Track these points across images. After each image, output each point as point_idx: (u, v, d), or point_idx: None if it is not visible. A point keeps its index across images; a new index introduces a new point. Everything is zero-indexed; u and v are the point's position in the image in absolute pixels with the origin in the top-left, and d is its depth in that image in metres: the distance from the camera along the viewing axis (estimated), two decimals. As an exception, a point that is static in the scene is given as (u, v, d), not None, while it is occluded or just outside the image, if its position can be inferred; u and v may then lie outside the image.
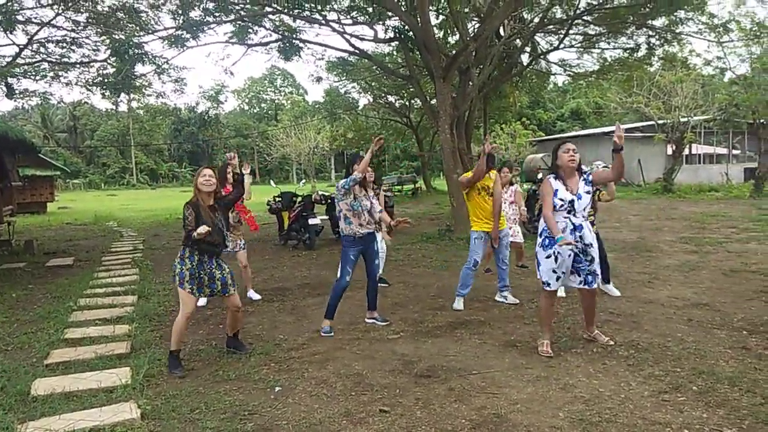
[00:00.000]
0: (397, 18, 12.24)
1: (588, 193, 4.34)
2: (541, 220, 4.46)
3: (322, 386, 4.00)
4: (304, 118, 47.65)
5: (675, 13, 12.45)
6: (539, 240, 4.48)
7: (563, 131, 41.76)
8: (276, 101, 78.17)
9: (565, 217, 4.33)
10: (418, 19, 11.20)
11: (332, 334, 5.19)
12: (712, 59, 18.89)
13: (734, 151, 28.39)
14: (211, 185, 4.44)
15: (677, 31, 13.21)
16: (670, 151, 22.00)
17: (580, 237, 4.31)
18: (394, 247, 10.48)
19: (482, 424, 3.30)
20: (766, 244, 9.05)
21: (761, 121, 18.06)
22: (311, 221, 10.72)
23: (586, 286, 4.43)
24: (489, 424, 3.30)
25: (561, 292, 5.83)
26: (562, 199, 4.30)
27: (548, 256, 4.37)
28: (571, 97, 48.65)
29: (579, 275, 4.41)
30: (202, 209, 4.37)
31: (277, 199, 11.66)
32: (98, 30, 12.12)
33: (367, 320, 5.60)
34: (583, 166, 4.43)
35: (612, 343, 4.53)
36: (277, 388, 3.99)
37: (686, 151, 23.91)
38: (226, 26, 12.64)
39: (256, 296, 6.91)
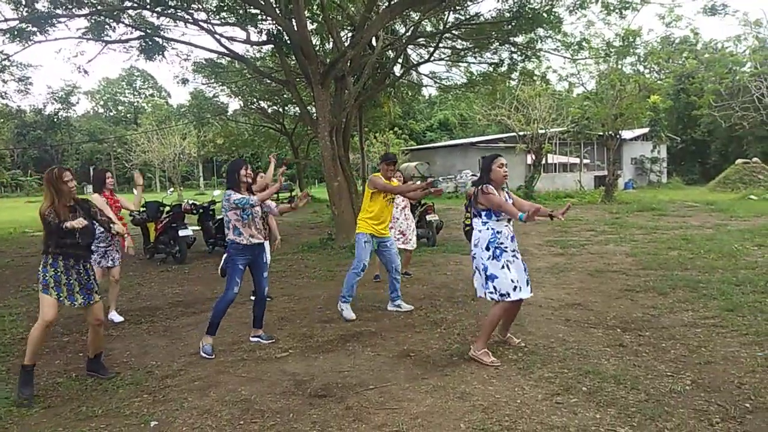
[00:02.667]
0: (272, 21, 11.86)
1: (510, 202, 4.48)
2: (481, 234, 4.36)
3: (205, 417, 3.60)
4: (168, 122, 44.97)
5: (535, 31, 13.37)
6: (487, 253, 4.32)
7: (433, 141, 43.46)
8: (135, 104, 73.19)
9: (506, 225, 4.38)
10: (294, 23, 10.91)
11: (213, 355, 4.75)
12: (567, 75, 20.70)
13: (585, 161, 31.32)
14: (74, 188, 4.15)
15: (537, 48, 14.21)
16: (530, 161, 23.70)
17: (516, 243, 4.46)
18: (275, 258, 10.07)
19: (385, 444, 3.14)
20: (622, 245, 9.95)
21: (609, 132, 20.04)
22: (182, 233, 9.95)
23: (530, 295, 4.48)
24: (392, 443, 3.14)
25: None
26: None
27: (502, 267, 4.28)
28: (439, 108, 50.86)
29: (528, 284, 4.46)
30: (62, 212, 4.00)
31: (142, 209, 10.70)
32: None
33: (251, 339, 5.21)
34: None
35: (523, 345, 4.63)
36: (152, 423, 3.53)
37: (544, 161, 25.86)
38: (81, 20, 11.41)
39: (119, 318, 6.19)
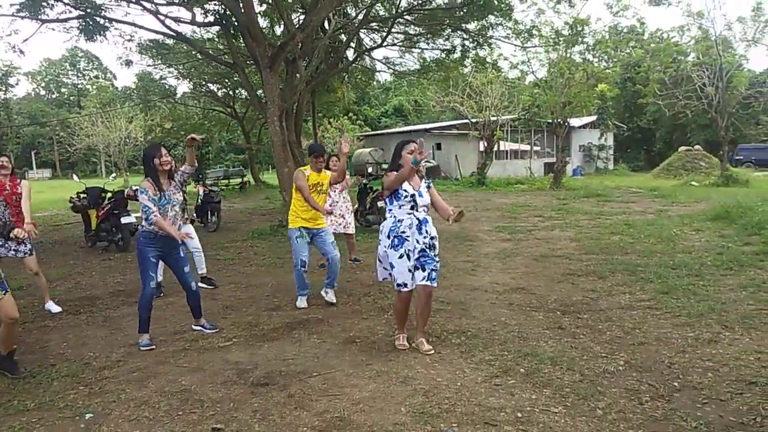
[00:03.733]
0: (218, 1, 11.53)
1: (428, 190, 4.34)
2: (385, 222, 4.31)
3: (142, 408, 3.51)
4: (113, 105, 43.35)
5: (486, 18, 13.49)
6: (387, 242, 4.23)
7: (388, 127, 43.45)
8: (79, 86, 70.22)
9: (409, 213, 4.22)
10: (241, 3, 10.63)
11: (153, 347, 4.63)
12: (518, 63, 20.96)
13: (535, 148, 31.95)
14: None
15: (488, 35, 14.34)
16: (482, 148, 23.98)
17: (426, 231, 4.23)
18: (222, 246, 9.91)
19: (325, 430, 3.14)
20: (567, 230, 10.22)
21: (558, 120, 20.45)
22: (124, 220, 9.61)
23: (428, 282, 4.18)
24: (333, 429, 3.14)
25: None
26: (405, 190, 4.21)
27: (401, 256, 4.18)
28: (394, 94, 50.85)
29: (424, 270, 4.17)
30: None
31: (82, 195, 10.30)
32: None
33: (194, 327, 5.10)
34: (422, 164, 4.39)
35: (432, 352, 4.22)
36: (87, 416, 3.42)
37: (496, 148, 26.24)
38: (14, -5, 10.78)
39: (56, 308, 5.96)
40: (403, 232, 4.20)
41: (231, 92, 25.17)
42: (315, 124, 20.60)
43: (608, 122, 33.83)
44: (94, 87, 66.62)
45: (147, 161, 4.64)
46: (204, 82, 23.98)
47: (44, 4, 11.01)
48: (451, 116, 31.55)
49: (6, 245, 5.44)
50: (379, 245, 4.40)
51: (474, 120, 23.32)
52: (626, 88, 35.77)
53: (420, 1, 14.25)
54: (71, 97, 68.53)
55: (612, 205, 14.31)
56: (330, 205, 7.19)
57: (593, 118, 33.43)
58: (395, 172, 4.23)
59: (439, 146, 28.73)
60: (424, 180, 4.40)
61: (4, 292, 3.94)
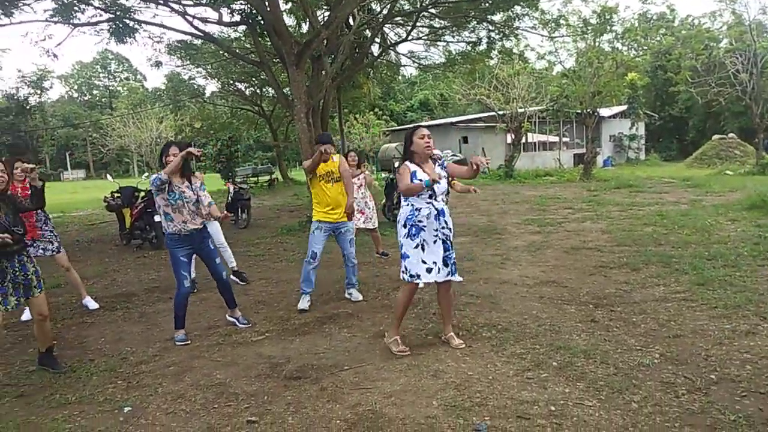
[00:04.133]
0: (244, 0, 11.63)
1: (444, 177, 4.18)
2: (402, 210, 4.22)
3: (179, 401, 3.60)
4: (144, 105, 44.19)
5: (512, 9, 13.31)
6: (403, 231, 4.12)
7: (413, 121, 43.33)
8: (110, 88, 71.79)
9: (428, 203, 4.09)
10: (266, 2, 10.71)
11: (188, 341, 4.74)
12: (544, 54, 20.66)
13: (564, 139, 31.48)
14: (3, 182, 3.89)
15: (514, 26, 14.16)
16: (509, 140, 23.75)
17: (445, 222, 4.14)
18: (253, 242, 10.04)
19: (358, 423, 3.16)
20: (599, 222, 10.05)
21: (587, 110, 20.11)
22: (158, 218, 9.81)
23: (452, 277, 4.17)
24: (365, 422, 3.17)
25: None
26: (421, 179, 4.03)
27: (416, 246, 4.06)
28: (419, 88, 50.66)
29: (446, 266, 4.13)
30: None
31: (116, 194, 10.55)
32: None
33: (228, 317, 5.21)
34: (437, 151, 4.35)
35: (462, 346, 4.21)
36: (126, 409, 3.53)
37: (524, 140, 25.95)
38: (47, 2, 11.08)
39: (94, 304, 6.13)
40: (420, 221, 4.06)
41: (258, 90, 25.40)
42: (341, 121, 20.66)
43: (639, 111, 33.14)
44: (125, 88, 68.04)
45: (160, 156, 4.89)
46: (232, 81, 24.24)
47: (76, 8, 11.28)
48: (478, 109, 31.26)
49: (35, 245, 5.63)
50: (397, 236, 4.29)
51: (501, 112, 23.09)
52: (657, 76, 34.96)
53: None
54: (103, 99, 70.12)
55: (644, 196, 14.03)
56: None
57: (623, 107, 32.79)
58: (408, 165, 4.13)
59: (465, 139, 28.54)
60: (437, 164, 4.21)
61: (39, 290, 4.08)
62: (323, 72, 12.19)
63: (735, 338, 4.06)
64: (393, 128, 33.99)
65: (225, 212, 5.17)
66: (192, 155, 4.55)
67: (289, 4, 13.92)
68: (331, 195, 5.54)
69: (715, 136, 28.69)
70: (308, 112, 10.93)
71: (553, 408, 3.18)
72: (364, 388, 3.62)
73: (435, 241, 4.10)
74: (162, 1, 11.51)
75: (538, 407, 3.20)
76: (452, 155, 26.34)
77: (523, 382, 3.54)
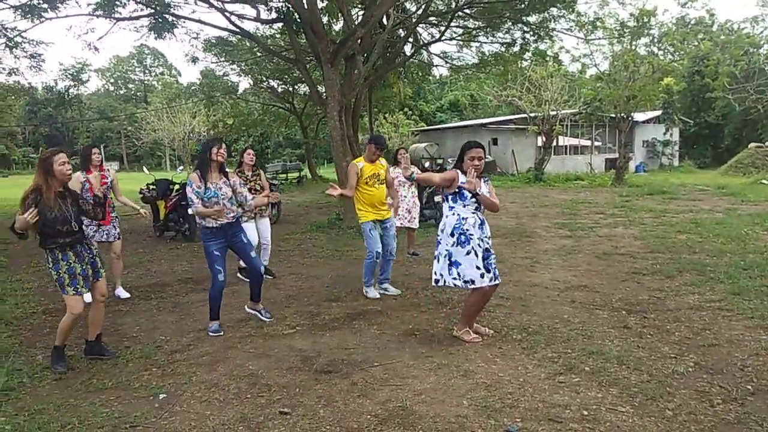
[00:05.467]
0: (282, -2, 11.78)
1: (486, 185, 4.38)
2: (446, 220, 4.33)
3: (213, 390, 3.68)
4: (178, 100, 44.96)
5: (548, 11, 13.18)
6: (451, 240, 4.26)
7: (443, 122, 43.19)
8: (146, 82, 73.24)
9: (473, 213, 4.30)
10: (304, 0, 10.82)
11: (221, 332, 4.83)
12: (579, 56, 20.39)
13: (596, 143, 31.01)
14: (69, 171, 4.03)
15: (550, 27, 14.01)
16: (540, 143, 23.50)
17: (486, 231, 4.36)
18: (282, 238, 10.16)
19: (389, 419, 3.19)
20: (631, 228, 9.91)
21: (621, 115, 19.78)
22: (191, 210, 10.00)
23: (497, 281, 4.38)
24: (395, 418, 3.20)
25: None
26: (469, 191, 4.24)
27: (467, 253, 4.22)
28: (450, 89, 50.42)
29: (489, 272, 4.29)
30: (46, 196, 3.87)
31: (152, 187, 10.79)
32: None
33: (247, 309, 5.24)
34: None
35: (490, 332, 4.51)
36: (161, 396, 3.62)
37: (555, 143, 25.66)
38: (90, -4, 11.35)
39: (125, 294, 6.27)
40: (468, 230, 4.25)
41: (290, 88, 25.63)
42: (371, 119, 20.73)
43: (674, 117, 32.43)
44: (160, 83, 69.28)
45: (203, 151, 4.85)
46: (264, 78, 24.52)
47: (117, 3, 11.55)
48: (508, 111, 30.98)
49: (100, 230, 5.90)
50: (438, 245, 4.41)
51: (533, 114, 22.86)
52: (694, 81, 34.12)
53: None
54: (138, 93, 71.53)
55: (678, 203, 13.76)
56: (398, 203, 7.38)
57: (658, 112, 32.12)
58: (454, 170, 4.33)
59: (495, 141, 28.34)
60: (483, 179, 4.36)
61: (104, 270, 4.32)
62: (356, 71, 12.25)
63: (773, 350, 3.98)
64: (422, 128, 33.91)
65: (273, 192, 5.30)
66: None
67: (325, 2, 14.02)
68: (377, 196, 5.75)
69: (752, 144, 27.89)
70: (341, 111, 11.00)
71: (585, 412, 3.16)
72: (394, 384, 3.65)
73: (480, 248, 4.27)
74: (201, -2, 11.71)
75: (570, 411, 3.19)
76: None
77: (555, 386, 3.53)
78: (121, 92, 73.23)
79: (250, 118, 28.90)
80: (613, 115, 20.92)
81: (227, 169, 5.00)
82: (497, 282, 4.38)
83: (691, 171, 30.55)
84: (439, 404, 3.34)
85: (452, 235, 4.28)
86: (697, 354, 3.96)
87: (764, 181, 20.22)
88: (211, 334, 4.81)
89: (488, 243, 4.36)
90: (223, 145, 4.90)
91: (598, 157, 30.18)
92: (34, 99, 52.79)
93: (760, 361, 3.79)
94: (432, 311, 5.29)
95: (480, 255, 4.25)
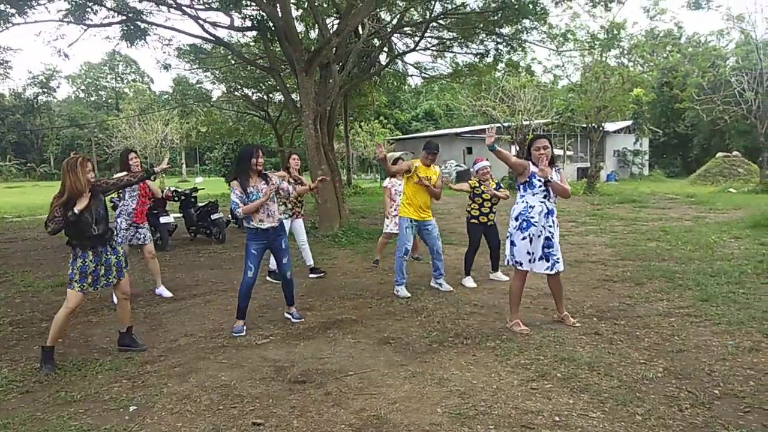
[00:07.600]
0: (256, 6, 11.73)
1: (558, 174, 4.70)
2: (516, 206, 4.71)
3: (184, 402, 3.61)
4: (151, 108, 44.38)
5: (520, 22, 13.39)
6: (515, 223, 4.69)
7: (418, 131, 43.44)
8: (117, 89, 72.10)
9: (541, 201, 4.61)
10: (278, 8, 10.80)
11: (244, 333, 4.95)
12: (551, 67, 20.76)
13: (569, 152, 31.55)
14: (93, 178, 4.29)
15: (522, 39, 14.24)
16: (514, 152, 23.78)
17: (552, 221, 4.64)
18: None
19: (363, 428, 3.18)
20: (602, 236, 10.08)
21: (592, 125, 20.17)
22: (163, 220, 9.87)
23: (553, 271, 4.68)
24: (370, 427, 3.18)
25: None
26: (540, 180, 4.58)
27: (524, 238, 4.63)
28: (425, 98, 50.80)
29: (547, 261, 4.65)
30: (80, 202, 4.14)
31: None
32: None
33: (285, 314, 5.46)
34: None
35: (578, 325, 4.84)
36: (132, 408, 3.55)
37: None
38: (61, 2, 11.20)
39: (167, 293, 6.48)
40: (532, 217, 4.61)
41: (265, 96, 25.48)
42: (347, 128, 20.75)
43: (644, 127, 33.20)
44: (132, 90, 68.29)
45: (243, 159, 4.99)
46: (239, 86, 24.33)
47: (89, 9, 11.37)
48: (483, 120, 31.29)
49: (137, 234, 6.20)
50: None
51: (506, 124, 23.16)
52: (663, 92, 35.02)
53: (454, 6, 14.23)
54: (109, 100, 70.35)
55: (648, 212, 14.05)
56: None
57: (628, 122, 32.88)
58: (526, 160, 4.68)
59: (470, 150, 28.63)
60: (554, 168, 4.66)
61: (126, 271, 4.59)
62: (331, 79, 12.26)
63: (738, 354, 4.08)
64: (398, 137, 34.07)
65: (323, 177, 5.82)
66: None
67: (300, 11, 14.03)
68: (422, 198, 6.06)
69: (720, 154, 28.71)
70: (316, 119, 10.99)
71: (557, 418, 3.19)
72: (369, 393, 3.64)
73: (539, 236, 4.63)
74: (174, 5, 11.61)
75: (543, 417, 3.21)
76: (456, 165, 26.40)
77: (528, 392, 3.56)
78: (92, 99, 71.96)
79: (225, 126, 28.61)
80: (585, 125, 21.34)
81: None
82: (554, 271, 4.68)
83: (660, 180, 31.29)
84: (413, 412, 3.34)
85: (516, 219, 4.70)
86: (666, 359, 4.04)
87: (732, 190, 20.80)
88: (234, 334, 4.94)
89: (550, 232, 4.63)
90: (261, 152, 5.09)
91: (571, 166, 30.71)
92: (2, 105, 51.42)
93: (726, 366, 3.88)
94: (407, 319, 5.29)
95: (539, 243, 4.61)
